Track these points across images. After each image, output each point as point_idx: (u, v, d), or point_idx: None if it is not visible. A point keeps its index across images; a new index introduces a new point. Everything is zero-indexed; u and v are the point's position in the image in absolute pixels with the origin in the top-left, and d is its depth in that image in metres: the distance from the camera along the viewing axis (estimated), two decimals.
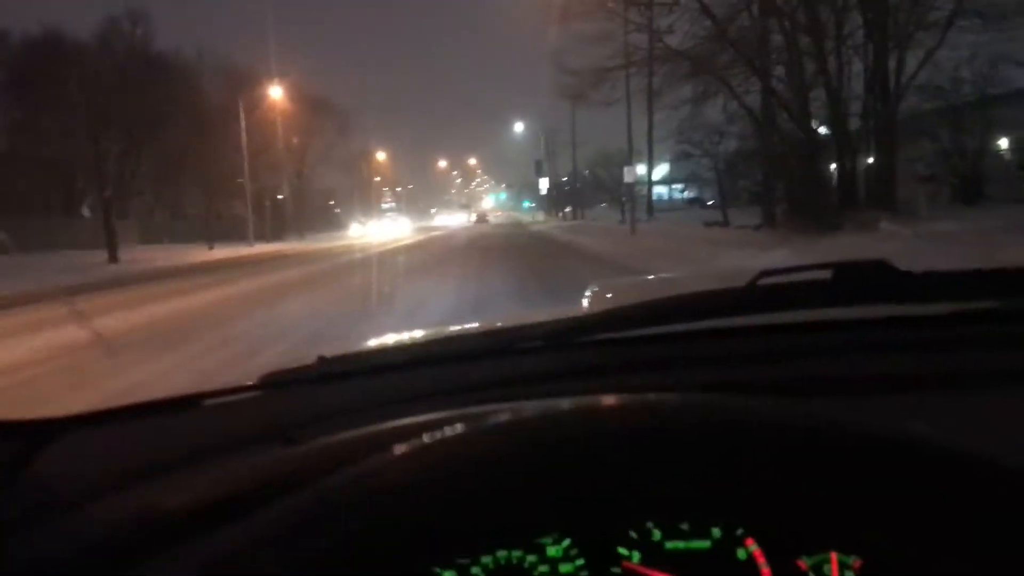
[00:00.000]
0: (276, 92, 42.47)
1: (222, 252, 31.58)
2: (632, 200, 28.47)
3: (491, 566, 0.65)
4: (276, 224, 47.82)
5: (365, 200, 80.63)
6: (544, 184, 53.60)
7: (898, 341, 0.86)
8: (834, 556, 0.64)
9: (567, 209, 70.36)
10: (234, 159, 38.88)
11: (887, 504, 0.34)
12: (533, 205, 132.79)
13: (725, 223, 24.26)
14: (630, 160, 24.30)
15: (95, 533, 0.45)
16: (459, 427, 0.38)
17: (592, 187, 60.20)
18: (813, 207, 16.33)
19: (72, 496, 0.61)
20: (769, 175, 20.61)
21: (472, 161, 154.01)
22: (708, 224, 24.60)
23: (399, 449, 0.37)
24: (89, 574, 0.49)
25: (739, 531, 0.65)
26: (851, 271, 0.88)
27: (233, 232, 40.14)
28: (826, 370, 0.81)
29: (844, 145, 17.49)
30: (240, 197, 44.83)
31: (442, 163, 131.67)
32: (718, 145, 24.73)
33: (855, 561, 0.63)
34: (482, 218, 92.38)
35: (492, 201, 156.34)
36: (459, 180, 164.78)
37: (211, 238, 35.21)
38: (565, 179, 60.65)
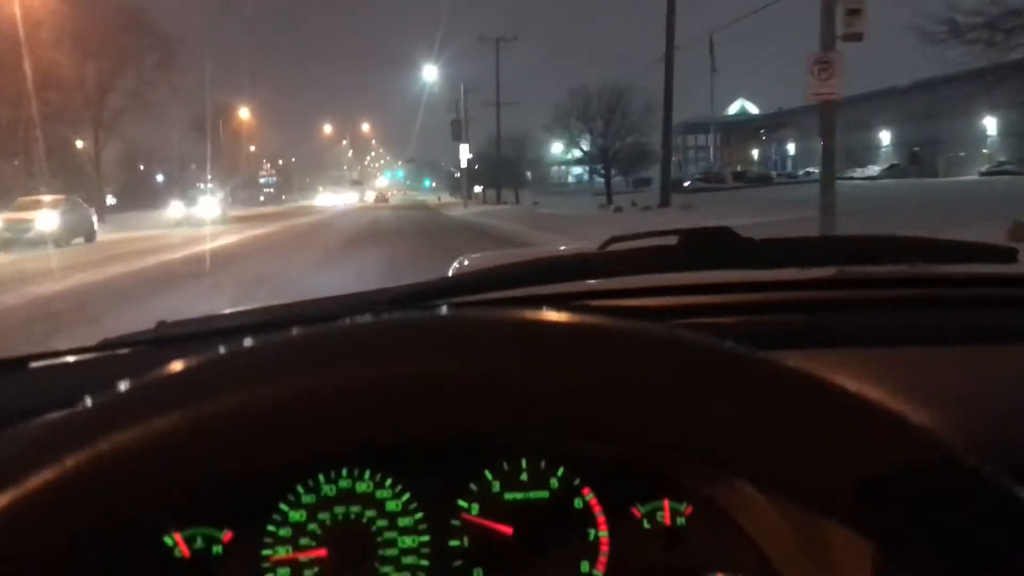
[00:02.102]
0: None
1: None
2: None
3: (328, 522, 0.67)
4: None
5: (230, 170, 63.45)
6: (464, 153, 38.48)
7: (734, 304, 0.90)
8: (667, 503, 0.68)
9: (477, 189, 56.06)
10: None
11: (716, 452, 0.33)
12: (434, 184, 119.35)
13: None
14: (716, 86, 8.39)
15: None
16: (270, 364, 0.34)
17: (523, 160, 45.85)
18: None
19: None
20: None
21: (365, 127, 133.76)
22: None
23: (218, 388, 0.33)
24: None
25: (576, 481, 0.68)
26: (696, 237, 0.94)
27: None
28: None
29: None
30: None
31: (328, 128, 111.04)
32: None
33: (687, 507, 0.68)
34: (382, 198, 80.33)
35: (388, 179, 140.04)
36: (351, 154, 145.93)
37: None
38: (470, 157, 45.59)
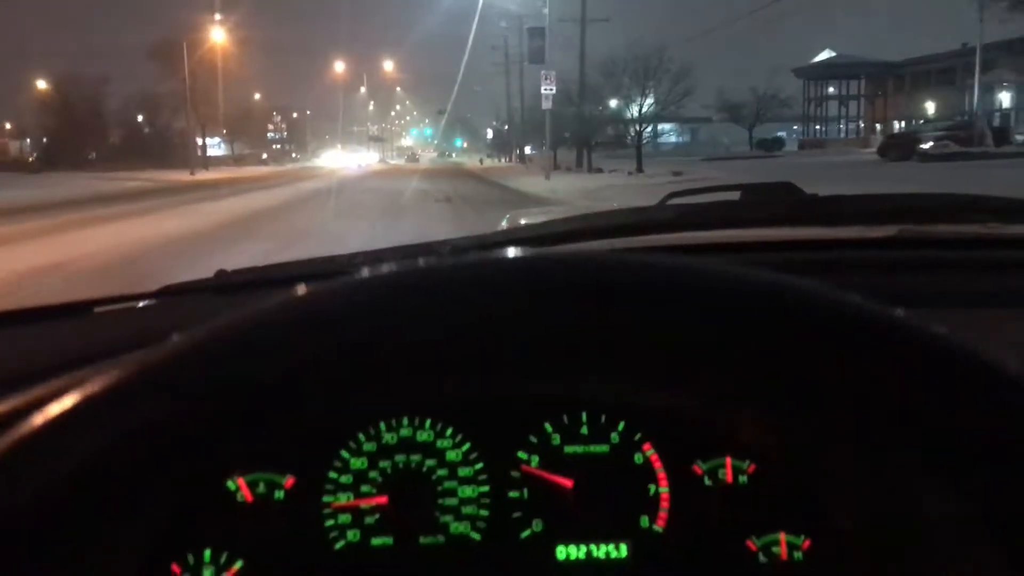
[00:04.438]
0: None
1: None
2: None
3: (389, 470, 0.68)
4: None
5: (209, 119, 48.51)
6: (549, 83, 22.65)
7: (799, 263, 0.88)
8: (729, 460, 0.68)
9: (523, 150, 44.87)
10: None
11: (781, 407, 0.33)
12: (465, 145, 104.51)
13: None
14: None
15: None
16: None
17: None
18: None
19: None
20: None
21: (388, 66, 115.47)
22: None
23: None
24: None
25: (637, 436, 0.69)
26: (758, 193, 0.93)
27: None
28: None
29: None
30: None
31: (340, 67, 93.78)
32: None
33: (749, 466, 0.68)
34: (413, 157, 72.81)
35: (415, 136, 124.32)
36: (372, 106, 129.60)
37: None
38: (552, 91, 29.51)
